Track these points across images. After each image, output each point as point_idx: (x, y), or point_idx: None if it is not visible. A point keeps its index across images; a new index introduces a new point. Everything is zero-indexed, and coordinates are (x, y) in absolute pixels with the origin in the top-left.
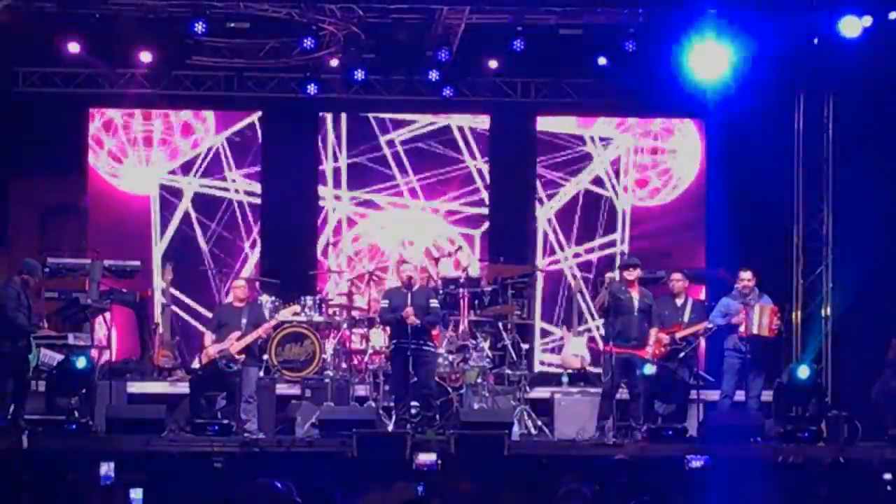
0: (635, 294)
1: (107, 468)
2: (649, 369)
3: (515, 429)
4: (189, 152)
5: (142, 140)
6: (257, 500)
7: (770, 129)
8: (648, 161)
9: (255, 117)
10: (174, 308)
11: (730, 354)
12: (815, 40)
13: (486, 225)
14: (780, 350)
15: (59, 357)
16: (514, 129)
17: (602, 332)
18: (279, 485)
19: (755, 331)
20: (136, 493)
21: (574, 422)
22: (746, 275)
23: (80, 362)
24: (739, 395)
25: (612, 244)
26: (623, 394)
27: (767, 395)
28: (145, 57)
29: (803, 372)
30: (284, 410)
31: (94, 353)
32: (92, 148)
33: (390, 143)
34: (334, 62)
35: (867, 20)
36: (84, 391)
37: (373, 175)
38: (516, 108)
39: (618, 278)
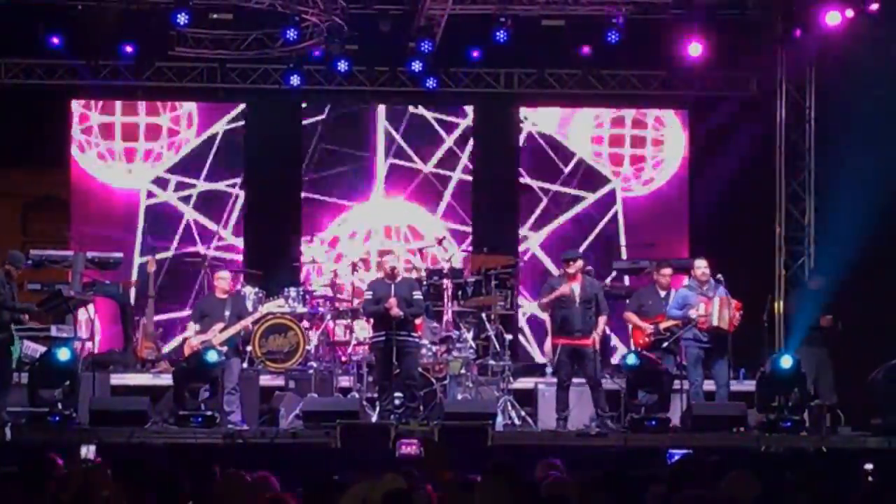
0: (577, 286)
1: (86, 451)
2: (632, 360)
3: (499, 419)
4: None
5: (125, 135)
6: None
7: (753, 120)
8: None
9: (237, 110)
10: None
11: (690, 345)
12: (797, 31)
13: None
14: (751, 338)
15: (42, 349)
16: (497, 119)
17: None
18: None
19: (715, 323)
20: (88, 450)
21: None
22: (702, 263)
23: (63, 354)
24: (708, 385)
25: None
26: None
27: (749, 385)
28: (127, 48)
29: (786, 362)
30: (268, 402)
31: (77, 344)
32: (76, 143)
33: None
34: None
35: (849, 12)
36: (67, 383)
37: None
38: (500, 99)
39: (559, 271)
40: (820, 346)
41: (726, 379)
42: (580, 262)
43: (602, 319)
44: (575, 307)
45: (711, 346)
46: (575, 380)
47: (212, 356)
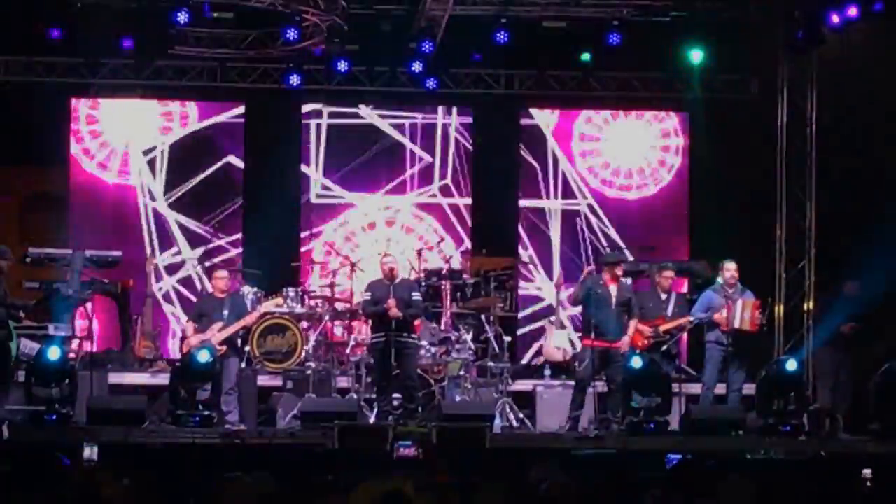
0: (614, 288)
1: (89, 451)
2: (636, 362)
3: (497, 421)
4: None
5: (125, 134)
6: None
7: (753, 122)
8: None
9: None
10: None
11: (712, 347)
12: (799, 33)
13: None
14: (761, 343)
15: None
16: (497, 121)
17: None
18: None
19: (737, 325)
20: (91, 451)
21: (556, 414)
22: (732, 266)
23: (53, 353)
24: (720, 388)
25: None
26: (602, 387)
27: (749, 389)
28: (128, 45)
29: (791, 365)
30: (266, 402)
31: (74, 343)
32: (76, 142)
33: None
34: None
35: (852, 11)
36: (66, 381)
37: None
38: (500, 101)
39: (597, 272)
40: (842, 349)
41: (740, 384)
42: (622, 266)
43: (633, 323)
44: (611, 310)
45: (733, 351)
46: (570, 382)
47: (202, 356)
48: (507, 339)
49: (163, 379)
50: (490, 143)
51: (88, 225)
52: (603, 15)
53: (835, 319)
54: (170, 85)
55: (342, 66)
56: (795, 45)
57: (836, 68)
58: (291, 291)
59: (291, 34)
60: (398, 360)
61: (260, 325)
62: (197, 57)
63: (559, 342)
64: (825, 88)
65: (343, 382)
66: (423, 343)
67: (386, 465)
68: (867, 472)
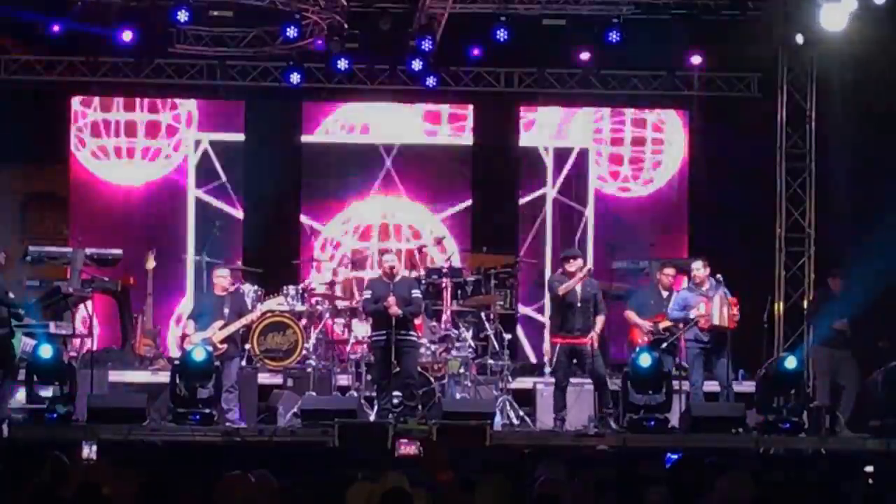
0: (578, 285)
1: (88, 450)
2: (645, 360)
3: (497, 419)
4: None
5: (125, 133)
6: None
7: (753, 121)
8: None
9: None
10: None
11: (692, 346)
12: (798, 32)
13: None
14: (750, 339)
15: None
16: (497, 118)
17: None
18: None
19: (716, 322)
20: (90, 450)
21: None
22: (698, 264)
23: (45, 351)
24: (709, 386)
25: None
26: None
27: (749, 386)
28: (127, 36)
29: (790, 363)
30: (266, 400)
31: (75, 341)
32: (76, 139)
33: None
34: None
35: (851, 6)
36: (66, 380)
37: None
38: (500, 98)
39: (559, 271)
40: (839, 347)
41: (729, 379)
42: (580, 261)
43: (600, 319)
44: (576, 306)
45: (712, 347)
46: (573, 380)
47: (196, 354)
48: (507, 336)
49: (163, 377)
50: (490, 141)
51: (88, 223)
52: (603, 12)
53: (828, 317)
54: (170, 83)
55: (342, 63)
56: (794, 45)
57: (837, 67)
58: (292, 289)
59: (291, 32)
60: (398, 358)
61: (260, 322)
62: (197, 55)
63: None
64: (825, 87)
65: (343, 380)
66: (424, 341)
67: (386, 463)
68: (869, 468)
